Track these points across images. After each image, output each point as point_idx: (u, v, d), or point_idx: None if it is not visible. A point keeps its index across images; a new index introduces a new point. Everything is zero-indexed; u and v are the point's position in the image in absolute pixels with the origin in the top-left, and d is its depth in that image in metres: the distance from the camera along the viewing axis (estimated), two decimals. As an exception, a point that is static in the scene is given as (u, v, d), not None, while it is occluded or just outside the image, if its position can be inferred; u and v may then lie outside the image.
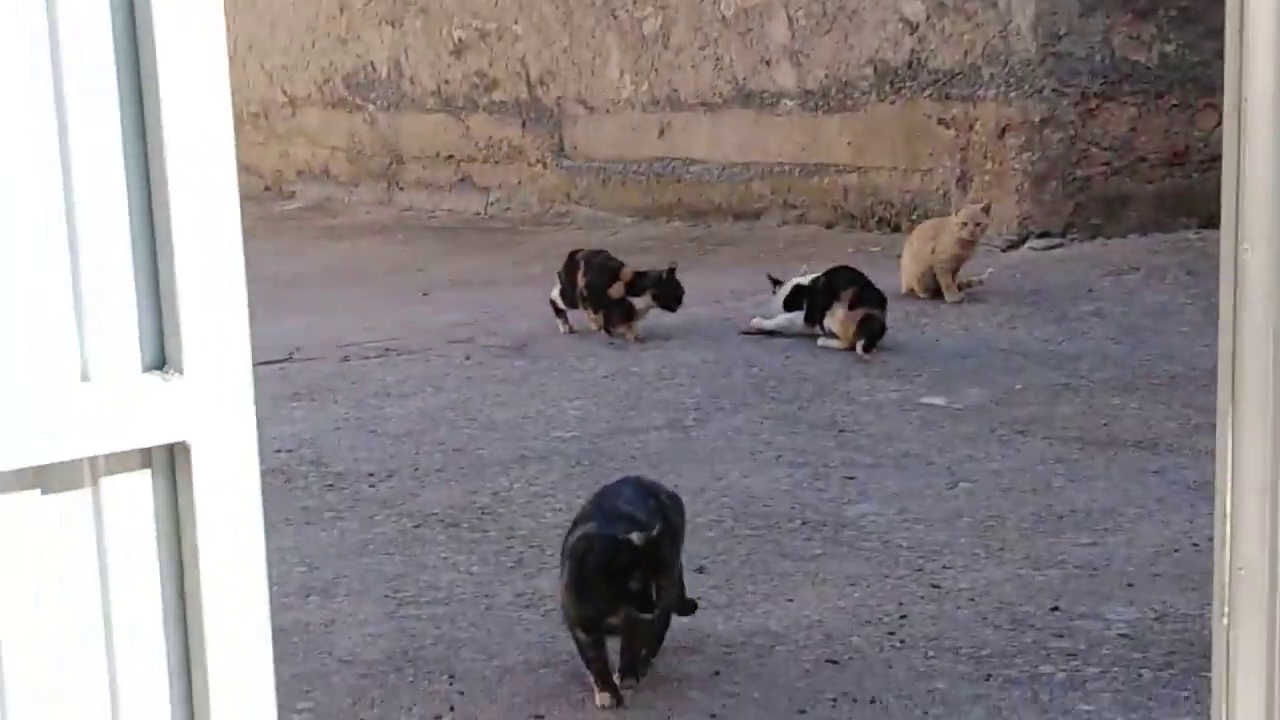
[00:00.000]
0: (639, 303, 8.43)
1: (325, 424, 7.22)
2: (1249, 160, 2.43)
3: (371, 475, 6.52)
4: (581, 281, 8.56)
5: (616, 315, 8.51)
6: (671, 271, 8.45)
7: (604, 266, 8.64)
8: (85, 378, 1.95)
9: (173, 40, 1.93)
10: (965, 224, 8.95)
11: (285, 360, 8.29)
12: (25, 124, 1.88)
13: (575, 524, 4.59)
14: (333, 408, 7.49)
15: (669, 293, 8.40)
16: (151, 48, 1.92)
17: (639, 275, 8.51)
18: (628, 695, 4.44)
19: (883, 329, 8.08)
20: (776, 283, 8.51)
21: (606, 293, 8.49)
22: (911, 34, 10.75)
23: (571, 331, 8.65)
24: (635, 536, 4.30)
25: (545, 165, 13.57)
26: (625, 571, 4.24)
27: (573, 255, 8.84)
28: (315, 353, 8.52)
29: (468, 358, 8.28)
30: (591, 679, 4.48)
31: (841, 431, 6.96)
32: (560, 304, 8.73)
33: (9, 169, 1.89)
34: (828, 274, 8.41)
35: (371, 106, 15.13)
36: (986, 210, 9.18)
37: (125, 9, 1.93)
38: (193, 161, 1.95)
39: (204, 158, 1.96)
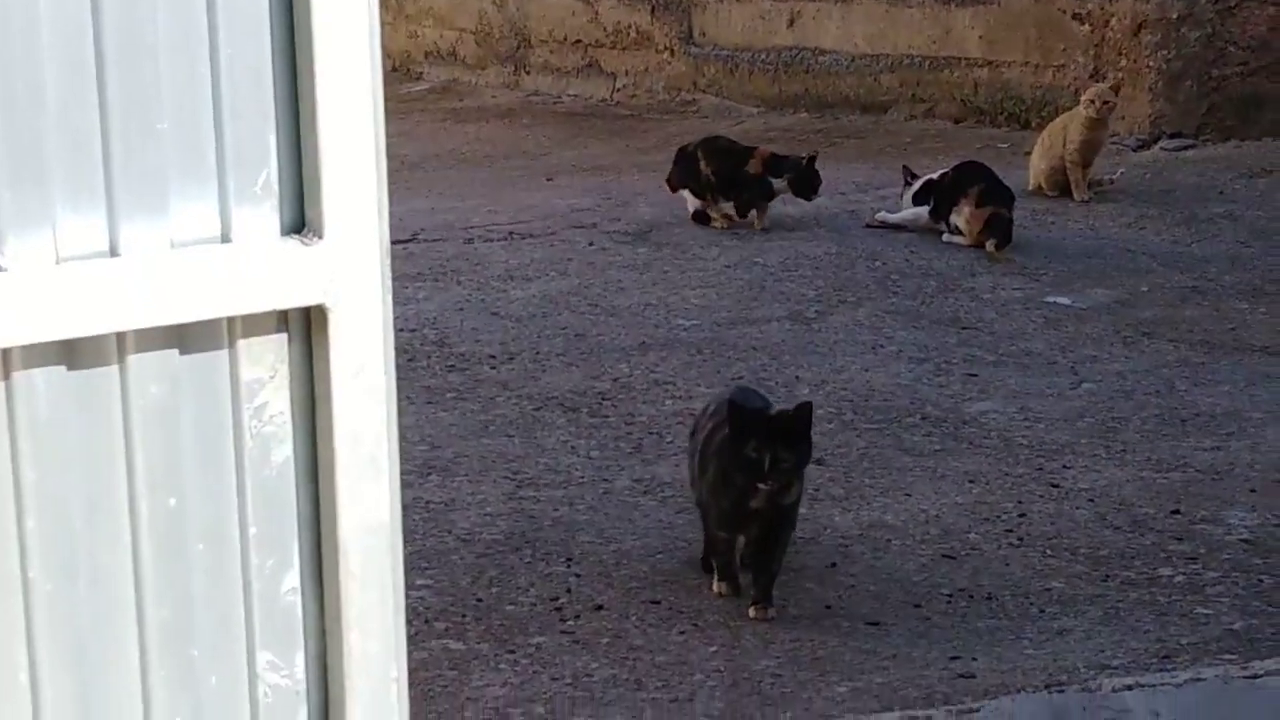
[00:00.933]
0: (777, 184, 8.32)
1: (449, 305, 7.25)
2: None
3: (493, 357, 6.55)
4: (707, 170, 8.44)
5: (753, 195, 8.39)
6: (812, 160, 8.34)
7: (729, 150, 8.56)
8: (226, 238, 1.97)
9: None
10: (1093, 101, 8.81)
11: (410, 241, 8.31)
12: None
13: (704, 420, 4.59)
14: (456, 289, 7.52)
15: (807, 180, 8.28)
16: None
17: (776, 157, 8.41)
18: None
19: (1010, 227, 7.99)
20: (912, 176, 8.43)
21: (737, 175, 8.37)
22: (1049, -73, 10.58)
23: (730, 222, 8.46)
24: (770, 408, 4.34)
25: (673, 52, 13.49)
26: (754, 433, 4.22)
27: (682, 150, 8.70)
28: (440, 234, 8.54)
29: (590, 243, 8.28)
30: (716, 569, 4.48)
31: (964, 329, 6.92)
32: (700, 207, 8.59)
33: (158, 30, 1.90)
34: (955, 169, 8.33)
35: (500, -11, 15.09)
36: (1116, 90, 9.03)
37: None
38: (337, 29, 1.96)
39: (347, 26, 1.96)
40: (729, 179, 8.38)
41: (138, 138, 1.91)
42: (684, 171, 8.57)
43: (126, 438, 1.98)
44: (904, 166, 8.62)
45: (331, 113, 1.96)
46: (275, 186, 2.00)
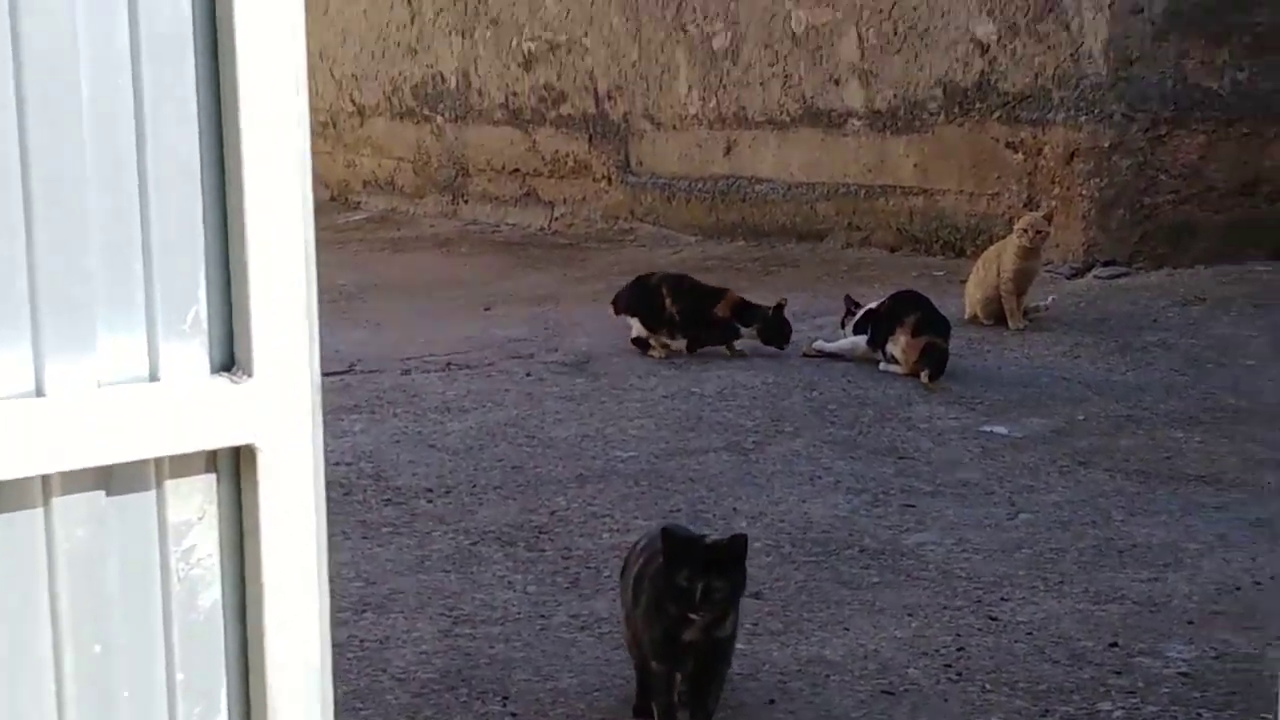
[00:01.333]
0: (745, 332, 8.42)
1: (385, 437, 7.21)
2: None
3: (429, 490, 6.50)
4: (673, 308, 8.48)
5: (717, 338, 8.47)
6: (780, 308, 8.41)
7: (695, 291, 8.61)
8: (154, 377, 1.94)
9: (253, 47, 1.92)
10: (1025, 230, 8.88)
11: (346, 372, 8.29)
12: (104, 121, 1.87)
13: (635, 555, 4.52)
14: (392, 421, 7.48)
15: (777, 329, 8.39)
16: (232, 54, 1.91)
17: (745, 303, 8.47)
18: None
19: (946, 357, 8.03)
20: (855, 305, 8.47)
21: (704, 316, 8.43)
22: (982, 55, 10.70)
23: (668, 351, 8.51)
24: (706, 537, 4.28)
25: (610, 181, 13.57)
26: (687, 562, 4.15)
27: (641, 282, 8.74)
28: (376, 365, 8.52)
29: (528, 374, 8.27)
30: (656, 711, 4.38)
31: (901, 458, 6.91)
32: (644, 335, 8.61)
33: (87, 167, 1.88)
34: (891, 298, 8.37)
35: (439, 118, 15.16)
36: (1049, 218, 9.11)
37: (207, 13, 1.92)
38: (268, 165, 1.95)
39: (279, 162, 1.95)
40: (694, 319, 8.44)
41: (65, 274, 1.88)
42: (638, 302, 8.59)
43: (51, 583, 1.94)
44: (846, 296, 8.66)
45: (261, 250, 1.94)
46: (204, 324, 1.98)
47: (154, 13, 1.87)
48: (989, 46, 10.64)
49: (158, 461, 1.97)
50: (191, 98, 1.92)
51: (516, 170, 14.40)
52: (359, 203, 15.90)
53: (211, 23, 1.91)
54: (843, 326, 8.49)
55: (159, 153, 1.91)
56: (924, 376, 7.90)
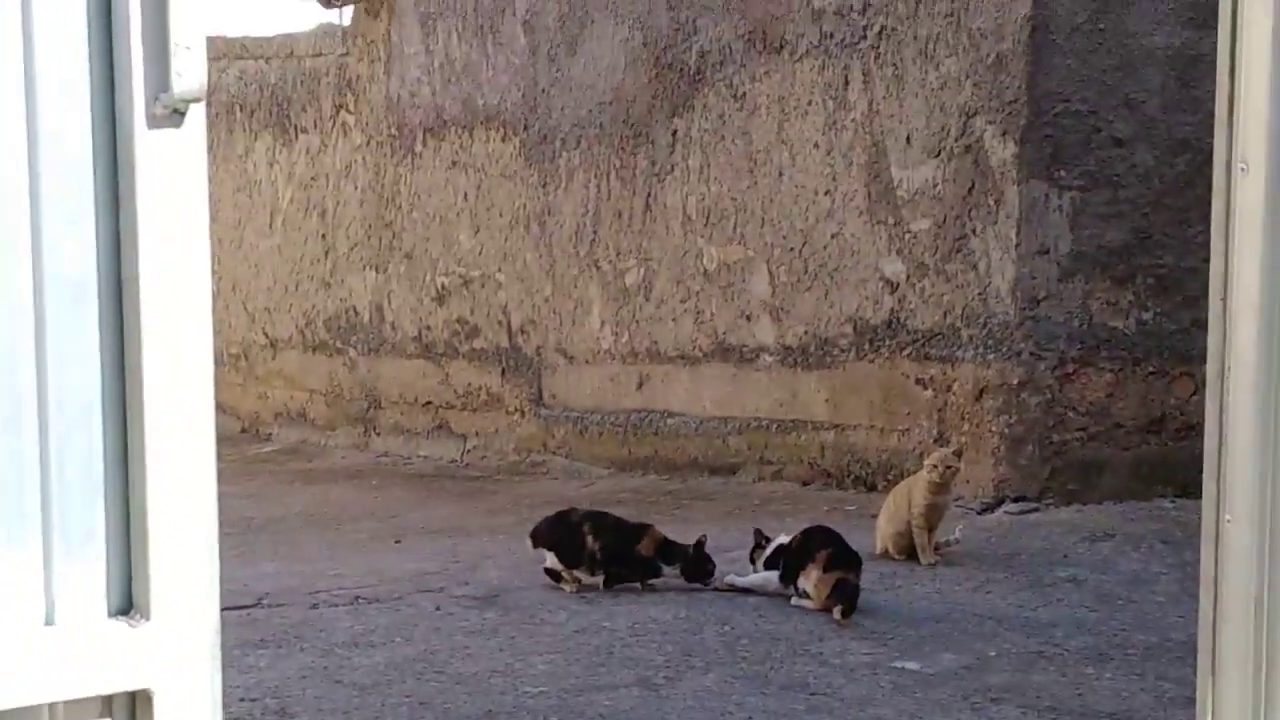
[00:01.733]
0: (668, 570, 8.39)
1: (291, 673, 7.12)
2: (1232, 431, 2.42)
3: (335, 726, 6.41)
4: (594, 545, 8.45)
5: (639, 575, 8.44)
6: (700, 544, 8.40)
7: (618, 528, 8.60)
8: (49, 621, 1.91)
9: (157, 282, 1.92)
10: (935, 466, 8.93)
11: (253, 606, 8.20)
12: (2, 362, 1.87)
13: None
14: (299, 656, 7.39)
15: (700, 566, 8.37)
16: (135, 290, 1.91)
17: (668, 542, 8.45)
18: None
19: (857, 592, 8.02)
20: (765, 539, 8.47)
21: (627, 554, 8.40)
22: (892, 293, 10.84)
23: (580, 585, 8.46)
24: None
25: (523, 414, 13.59)
26: None
27: (563, 517, 8.71)
28: (284, 599, 8.43)
29: (437, 608, 8.20)
30: None
31: (813, 694, 6.87)
32: (559, 569, 8.56)
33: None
34: (803, 534, 8.37)
35: (352, 350, 15.20)
36: (959, 454, 9.16)
37: (111, 235, 1.92)
38: (170, 404, 1.94)
39: (182, 400, 1.94)
40: (617, 556, 8.41)
41: (-39, 516, 1.86)
42: (558, 537, 8.54)
43: (-64, 832, 1.89)
44: (756, 530, 8.66)
45: (161, 493, 1.92)
46: (103, 566, 1.96)
47: (58, 256, 1.88)
48: (898, 285, 10.78)
49: (51, 707, 1.94)
50: (94, 338, 1.91)
51: (429, 403, 14.42)
52: (270, 434, 15.86)
53: (116, 265, 1.91)
54: (753, 560, 8.48)
55: (60, 393, 1.90)
56: (836, 612, 7.88)
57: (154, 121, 1.92)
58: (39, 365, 1.89)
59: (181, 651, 1.96)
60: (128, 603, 1.97)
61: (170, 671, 1.96)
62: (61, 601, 1.93)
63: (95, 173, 1.93)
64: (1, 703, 1.88)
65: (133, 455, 1.94)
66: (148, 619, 1.95)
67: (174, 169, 1.94)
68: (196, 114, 1.97)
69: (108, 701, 1.98)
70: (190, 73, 1.92)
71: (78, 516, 1.93)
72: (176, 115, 1.94)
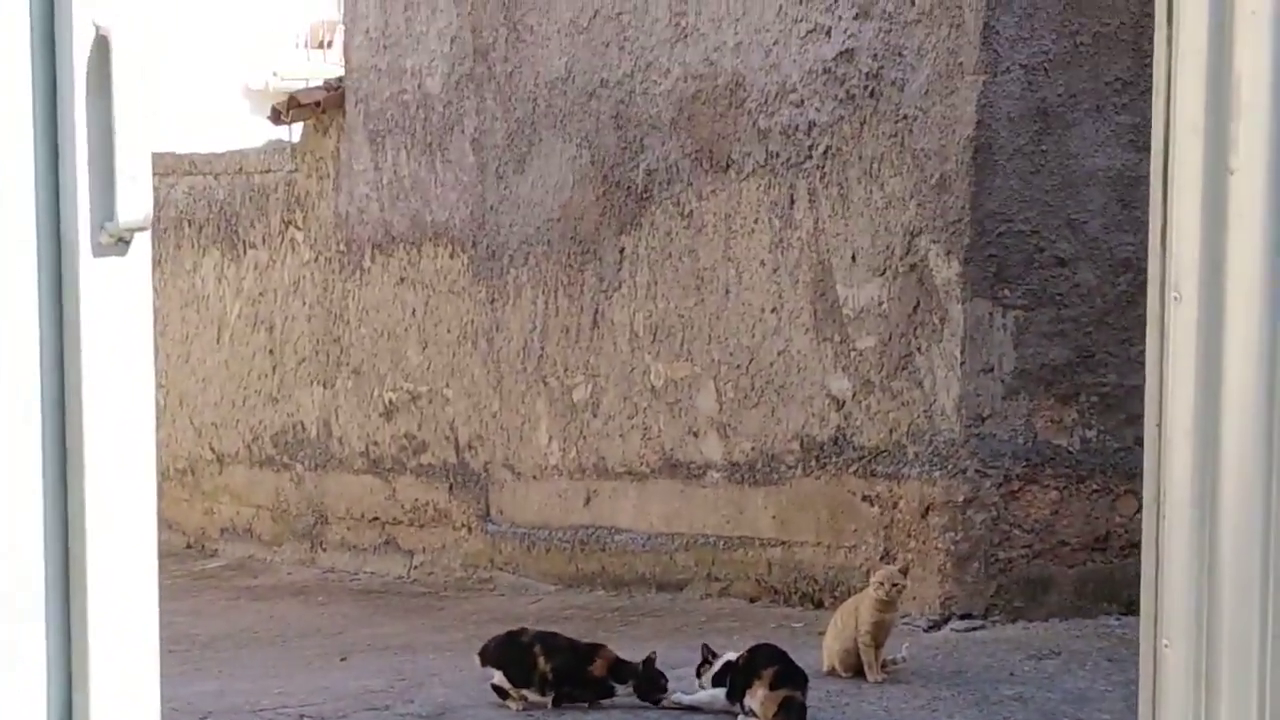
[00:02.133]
0: (621, 690, 8.33)
1: (234, 791, 7.07)
2: (1167, 556, 2.44)
3: None
4: (546, 666, 8.38)
5: (591, 696, 8.38)
6: (650, 662, 8.35)
7: (570, 648, 8.54)
8: (-15, 749, 1.90)
9: (100, 399, 1.93)
10: (882, 584, 8.92)
11: (196, 724, 8.15)
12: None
13: None
14: (242, 774, 7.34)
15: (653, 683, 8.32)
16: (79, 407, 1.92)
17: (620, 661, 8.40)
18: None
19: (804, 710, 8.00)
20: (712, 655, 8.44)
21: (579, 674, 8.34)
22: (838, 410, 10.88)
23: (526, 703, 8.40)
24: None
25: (470, 530, 13.56)
26: None
27: (513, 637, 8.65)
28: (227, 718, 8.37)
29: (382, 726, 8.17)
30: None
31: (760, 813, 6.85)
32: (506, 687, 8.49)
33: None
34: (750, 651, 8.35)
35: (299, 466, 15.15)
36: (905, 571, 9.17)
37: (55, 359, 1.93)
38: (113, 522, 1.94)
39: (125, 518, 1.95)
40: (568, 676, 8.35)
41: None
42: (508, 657, 8.46)
43: None
44: (704, 645, 8.64)
45: (101, 612, 1.92)
46: (43, 684, 1.95)
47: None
48: (844, 402, 10.83)
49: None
50: (36, 459, 1.92)
51: (376, 518, 14.37)
52: (215, 550, 15.77)
53: (60, 390, 1.92)
54: (699, 676, 8.46)
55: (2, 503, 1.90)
56: (781, 731, 7.86)
57: (99, 250, 1.94)
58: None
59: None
60: (67, 725, 1.96)
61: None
62: (-1, 726, 1.92)
63: (40, 299, 1.94)
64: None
65: (73, 571, 1.94)
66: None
67: (119, 296, 1.96)
68: (141, 242, 1.99)
69: (45, 829, 1.96)
70: (136, 202, 1.94)
71: (15, 634, 1.93)
72: (122, 244, 1.96)
